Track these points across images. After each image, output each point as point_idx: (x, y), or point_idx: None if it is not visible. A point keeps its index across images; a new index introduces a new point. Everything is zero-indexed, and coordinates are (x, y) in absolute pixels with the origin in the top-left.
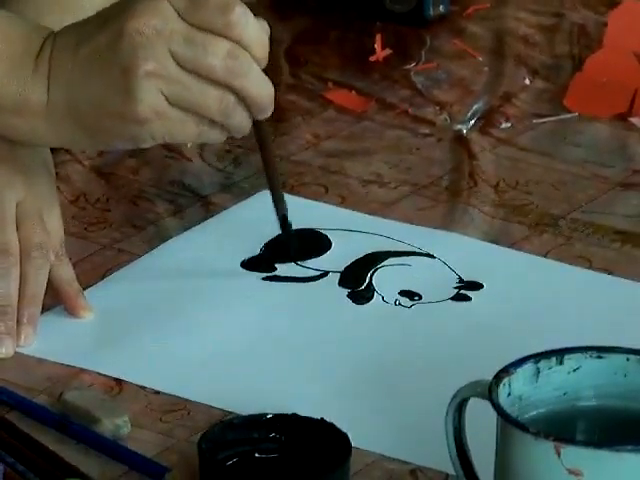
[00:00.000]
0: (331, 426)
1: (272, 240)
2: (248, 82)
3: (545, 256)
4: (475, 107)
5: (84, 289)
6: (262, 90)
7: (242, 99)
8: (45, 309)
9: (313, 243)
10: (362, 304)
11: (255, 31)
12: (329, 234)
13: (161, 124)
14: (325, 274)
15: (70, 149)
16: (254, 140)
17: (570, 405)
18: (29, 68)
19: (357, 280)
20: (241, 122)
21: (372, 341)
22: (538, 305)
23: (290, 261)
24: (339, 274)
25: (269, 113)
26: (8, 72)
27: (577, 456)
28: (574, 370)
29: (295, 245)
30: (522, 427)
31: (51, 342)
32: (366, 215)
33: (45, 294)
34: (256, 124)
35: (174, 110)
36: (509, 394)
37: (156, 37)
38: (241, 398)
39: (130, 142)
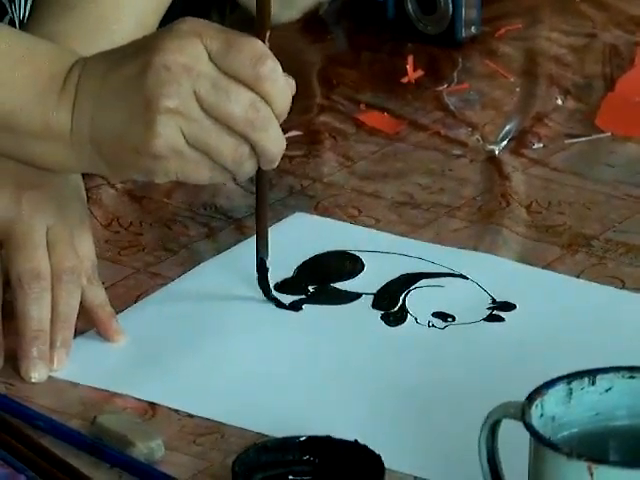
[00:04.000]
0: (364, 448)
1: (305, 263)
2: (265, 136)
3: (578, 276)
4: (507, 128)
5: (117, 313)
6: (276, 146)
7: (255, 150)
8: (78, 333)
9: (346, 265)
10: (395, 326)
11: (281, 87)
12: (362, 256)
13: (176, 162)
14: (358, 296)
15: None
16: (287, 162)
17: (603, 425)
18: (55, 93)
19: (390, 302)
20: (250, 171)
21: (405, 363)
22: (571, 325)
23: (320, 284)
24: (372, 296)
25: (275, 165)
26: (34, 97)
27: (610, 476)
28: (606, 390)
29: (267, 288)
30: (555, 447)
31: (84, 366)
32: (399, 237)
33: (78, 318)
34: (259, 171)
35: (190, 150)
36: (542, 415)
37: (183, 75)
38: (274, 421)
39: (144, 175)
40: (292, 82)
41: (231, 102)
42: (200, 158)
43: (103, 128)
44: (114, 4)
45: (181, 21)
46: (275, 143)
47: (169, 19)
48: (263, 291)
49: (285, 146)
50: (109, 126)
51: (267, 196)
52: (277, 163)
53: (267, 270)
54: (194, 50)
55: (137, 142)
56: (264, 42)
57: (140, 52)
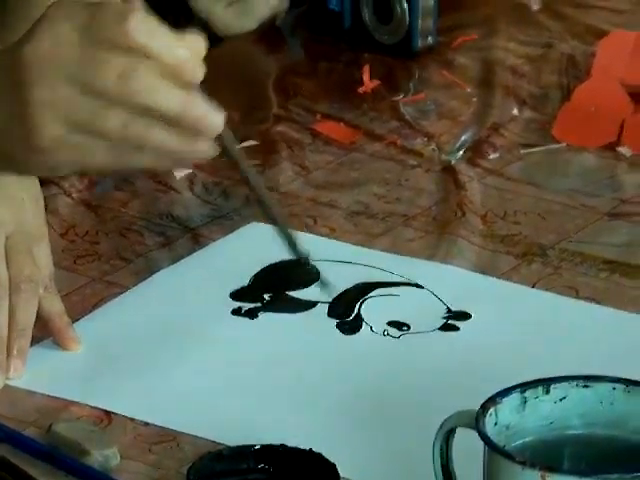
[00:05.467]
0: (319, 456)
1: (260, 271)
2: (155, 97)
3: (533, 286)
4: (463, 138)
5: (73, 322)
6: (174, 103)
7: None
8: (34, 342)
9: (302, 274)
10: (351, 334)
11: (162, 40)
12: (318, 265)
13: (65, 152)
14: (314, 304)
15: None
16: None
17: (557, 434)
18: None
19: (346, 310)
20: (166, 142)
21: (360, 371)
22: (526, 335)
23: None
24: (328, 305)
25: (207, 125)
26: None
27: None
28: (560, 399)
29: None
30: (509, 456)
31: (40, 374)
32: (355, 246)
33: (34, 327)
34: (222, 147)
35: (76, 136)
36: (496, 423)
37: (49, 63)
38: (229, 429)
39: (45, 172)
40: (197, 38)
41: (99, 73)
42: (91, 142)
43: None
44: None
45: (49, 6)
46: (172, 101)
47: None
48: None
49: (199, 103)
50: None
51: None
52: (205, 122)
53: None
54: (60, 33)
55: (20, 139)
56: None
57: (13, 46)
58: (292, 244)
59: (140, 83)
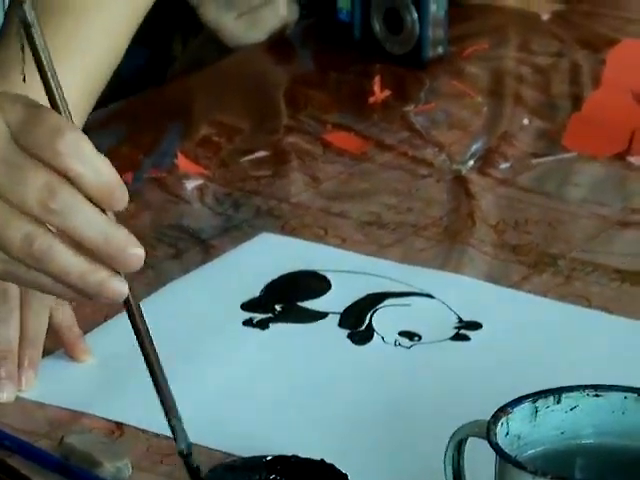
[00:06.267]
0: (331, 467)
1: (272, 282)
2: (72, 221)
3: (544, 296)
4: (474, 147)
5: (85, 333)
6: (92, 230)
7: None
8: (45, 353)
9: (313, 285)
10: (362, 345)
11: (92, 165)
12: (329, 275)
13: None
14: (325, 315)
15: None
16: (254, 182)
17: (568, 444)
18: None
19: (357, 321)
20: (67, 267)
21: (372, 382)
22: (537, 344)
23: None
24: (339, 315)
25: (120, 258)
26: None
27: None
28: (572, 409)
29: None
30: (520, 466)
31: (52, 386)
32: (366, 256)
33: (45, 338)
34: (126, 303)
35: None
36: (507, 433)
37: None
38: (241, 440)
39: None
40: (104, 160)
41: (24, 184)
42: None
43: None
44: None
45: None
46: (88, 227)
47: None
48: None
49: (115, 232)
50: None
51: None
52: (118, 254)
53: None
54: None
55: None
56: (61, 112)
57: None
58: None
59: (61, 202)
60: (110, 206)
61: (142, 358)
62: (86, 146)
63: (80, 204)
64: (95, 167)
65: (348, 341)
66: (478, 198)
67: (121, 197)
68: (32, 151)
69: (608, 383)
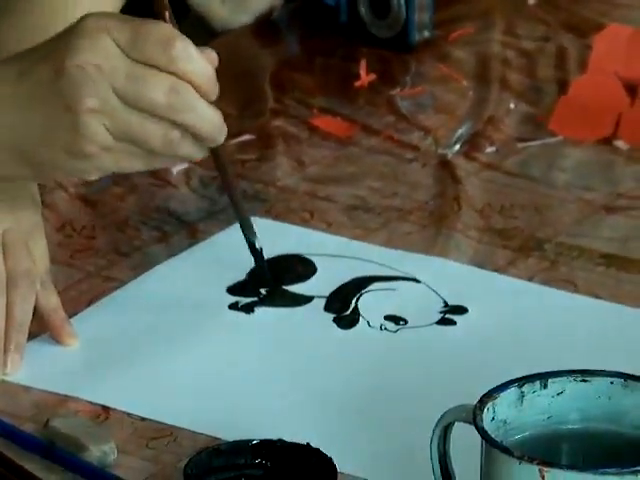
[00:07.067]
0: (317, 451)
1: (257, 266)
2: (193, 117)
3: (530, 280)
4: (460, 132)
5: (70, 317)
6: (207, 124)
7: (189, 132)
8: (31, 337)
9: (298, 268)
10: (347, 329)
11: (199, 64)
12: (314, 259)
13: (108, 158)
14: (310, 299)
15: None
16: (239, 166)
17: (555, 429)
18: None
19: (343, 305)
20: (191, 153)
21: (358, 366)
22: (523, 329)
23: (273, 286)
24: (325, 299)
25: (220, 141)
26: None
27: (561, 479)
28: (558, 394)
29: (266, 270)
30: (506, 451)
31: (37, 370)
32: (351, 240)
33: (31, 322)
34: (212, 151)
35: (120, 144)
36: (493, 418)
37: (97, 74)
38: (227, 424)
39: (77, 175)
40: (212, 54)
41: (149, 90)
42: (131, 149)
43: (24, 133)
44: (52, 12)
45: (85, 17)
46: (205, 121)
47: None
48: (261, 273)
49: (221, 121)
50: (30, 131)
51: (234, 176)
52: (220, 139)
53: (261, 251)
54: (104, 47)
55: (64, 145)
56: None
57: (50, 55)
58: (250, 242)
59: (185, 102)
60: (211, 97)
61: (127, 341)
62: (193, 49)
63: (197, 100)
64: (202, 66)
65: (334, 325)
66: (464, 182)
67: (216, 87)
68: (146, 61)
69: (594, 368)
